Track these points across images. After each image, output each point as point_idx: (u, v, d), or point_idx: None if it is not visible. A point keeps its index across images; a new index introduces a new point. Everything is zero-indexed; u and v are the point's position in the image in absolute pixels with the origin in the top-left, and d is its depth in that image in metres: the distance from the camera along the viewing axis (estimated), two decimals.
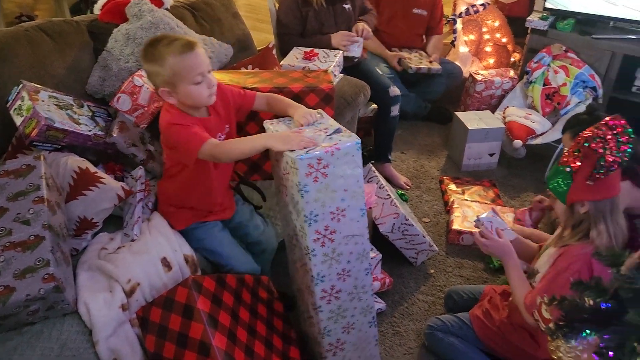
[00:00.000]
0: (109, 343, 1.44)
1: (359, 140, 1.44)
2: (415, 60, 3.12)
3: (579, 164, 1.49)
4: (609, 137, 1.46)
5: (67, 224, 1.57)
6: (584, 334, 0.98)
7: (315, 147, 1.41)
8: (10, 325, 1.34)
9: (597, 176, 1.45)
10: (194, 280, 1.50)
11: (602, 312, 0.91)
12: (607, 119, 1.49)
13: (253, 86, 1.85)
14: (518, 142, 2.83)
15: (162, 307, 1.49)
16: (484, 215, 1.76)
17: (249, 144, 1.50)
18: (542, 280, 1.58)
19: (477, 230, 1.77)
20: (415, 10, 3.19)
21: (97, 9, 2.14)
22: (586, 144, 1.47)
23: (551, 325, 1.00)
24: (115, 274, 1.51)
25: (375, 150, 2.85)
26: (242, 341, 1.52)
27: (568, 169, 1.52)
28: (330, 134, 1.48)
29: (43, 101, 1.66)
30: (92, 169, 1.64)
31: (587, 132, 1.49)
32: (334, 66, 2.31)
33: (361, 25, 2.65)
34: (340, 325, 1.63)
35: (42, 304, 1.32)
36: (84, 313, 1.43)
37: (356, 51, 2.58)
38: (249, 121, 1.89)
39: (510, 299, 1.76)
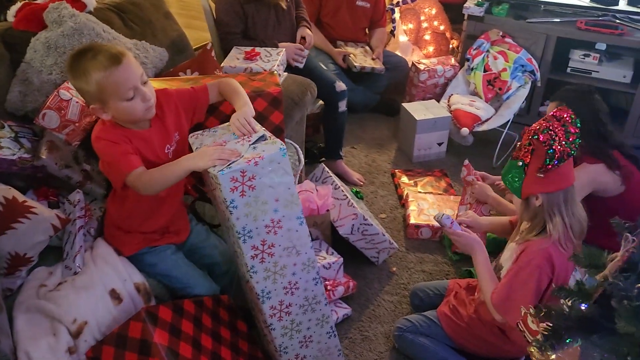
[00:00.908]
0: None
1: (284, 147, 1.37)
2: (360, 58, 3.07)
3: (530, 157, 1.48)
4: (557, 128, 1.46)
5: None
6: (568, 341, 0.94)
7: (238, 159, 1.32)
8: None
9: (548, 167, 1.45)
10: (147, 311, 1.38)
11: (587, 318, 0.88)
12: (554, 110, 1.49)
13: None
14: (465, 130, 2.84)
15: (114, 345, 1.36)
16: (440, 213, 1.73)
17: (171, 172, 1.39)
18: (505, 277, 1.57)
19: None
20: (359, 3, 3.14)
21: (10, 15, 1.92)
22: (535, 137, 1.46)
23: (539, 337, 0.96)
24: (58, 314, 1.36)
25: (326, 148, 2.78)
26: None
27: (520, 163, 1.51)
28: (253, 143, 1.40)
29: None
30: (20, 197, 1.46)
31: (535, 125, 1.49)
32: (278, 65, 2.20)
33: (306, 32, 2.59)
34: (297, 340, 1.56)
35: None
36: None
37: (302, 64, 2.52)
38: (209, 116, 1.74)
39: (477, 294, 1.74)
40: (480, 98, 3.03)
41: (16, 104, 1.75)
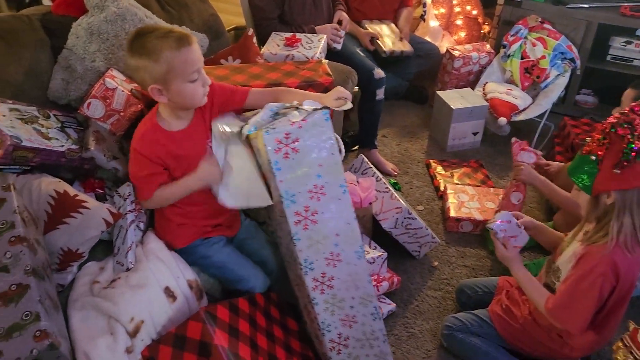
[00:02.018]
0: None
1: (327, 111, 1.36)
2: (388, 41, 2.98)
3: (603, 151, 1.41)
4: (636, 122, 1.39)
5: (49, 260, 1.35)
6: None
7: (276, 127, 1.33)
8: None
9: (625, 164, 1.38)
10: (206, 312, 1.34)
11: None
12: (634, 104, 1.42)
13: (243, 84, 1.66)
14: (503, 120, 2.76)
15: (172, 346, 1.32)
16: (497, 222, 1.68)
17: (181, 191, 1.49)
18: (565, 283, 1.51)
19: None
20: None
21: None
22: (612, 130, 1.39)
23: None
24: (115, 312, 1.32)
25: (360, 137, 2.71)
26: None
27: (593, 157, 1.44)
28: (300, 109, 1.40)
29: (4, 116, 1.41)
30: (72, 191, 1.42)
31: (612, 118, 1.42)
32: (320, 52, 2.13)
33: (343, 15, 2.53)
34: (339, 317, 1.50)
35: None
36: None
37: (340, 44, 2.44)
38: None
39: None
40: (517, 86, 2.95)
41: (59, 92, 1.69)
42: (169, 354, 1.31)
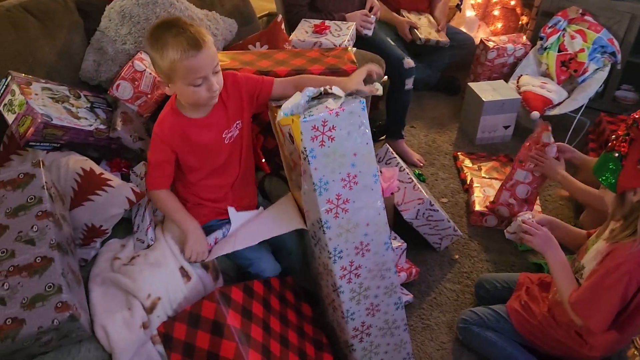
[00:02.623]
0: None
1: (364, 100, 1.36)
2: (424, 30, 2.93)
3: (627, 147, 1.37)
4: None
5: (73, 235, 1.41)
6: None
7: (313, 114, 1.31)
8: (20, 358, 1.19)
9: None
10: (221, 292, 1.37)
11: None
12: None
13: (267, 69, 1.67)
14: (536, 114, 2.69)
15: (186, 323, 1.36)
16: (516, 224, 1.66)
17: (173, 218, 1.53)
18: (589, 278, 1.48)
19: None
20: None
21: None
22: (635, 125, 1.35)
23: None
24: (133, 289, 1.36)
25: (388, 126, 2.69)
26: (276, 355, 1.40)
27: (617, 154, 1.40)
28: (336, 96, 1.38)
29: (36, 94, 1.46)
30: (97, 169, 1.47)
31: (636, 113, 1.37)
32: (348, 40, 2.12)
33: (374, 2, 2.52)
34: (364, 307, 1.51)
35: (56, 334, 1.17)
36: (102, 337, 1.29)
37: (370, 30, 2.41)
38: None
39: (551, 293, 1.66)
40: (552, 80, 2.86)
41: (90, 73, 1.74)
42: (184, 331, 1.36)
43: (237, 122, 1.53)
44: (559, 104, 2.78)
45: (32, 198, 1.27)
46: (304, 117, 1.29)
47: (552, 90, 2.78)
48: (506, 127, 2.83)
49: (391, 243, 1.50)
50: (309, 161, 1.31)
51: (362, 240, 1.44)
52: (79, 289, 1.31)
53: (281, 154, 1.62)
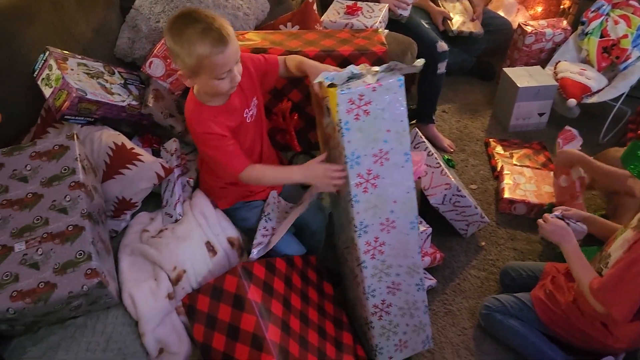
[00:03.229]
0: (156, 334, 1.37)
1: (402, 78, 1.34)
2: (459, 19, 2.87)
3: None
4: None
5: (104, 207, 1.46)
6: None
7: (351, 87, 1.32)
8: (51, 321, 1.26)
9: None
10: (243, 267, 1.40)
11: None
12: None
13: (297, 49, 1.67)
14: (572, 101, 2.61)
15: (209, 296, 1.40)
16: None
17: (281, 178, 1.53)
18: (615, 266, 1.45)
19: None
20: None
21: None
22: None
23: None
24: (160, 260, 1.41)
25: (418, 110, 2.66)
26: (295, 331, 1.42)
27: None
28: (375, 73, 1.38)
29: (72, 70, 1.51)
30: (129, 144, 1.51)
31: None
32: (380, 22, 2.10)
33: None
34: (385, 284, 1.52)
35: (85, 300, 1.22)
36: (129, 305, 1.34)
37: (406, 12, 2.37)
38: (293, 88, 1.73)
39: (577, 284, 1.63)
40: (592, 67, 2.77)
41: (125, 50, 1.78)
42: (207, 303, 1.39)
43: (254, 99, 1.54)
44: (597, 92, 2.68)
45: (65, 169, 1.32)
46: (342, 90, 1.30)
47: (591, 78, 2.69)
48: (541, 115, 2.76)
49: (418, 223, 1.50)
50: (342, 133, 1.33)
51: (389, 217, 1.44)
52: (109, 257, 1.36)
53: (318, 128, 1.65)
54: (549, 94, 2.68)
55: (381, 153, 1.37)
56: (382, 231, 1.45)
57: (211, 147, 1.43)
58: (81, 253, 1.21)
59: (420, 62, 1.41)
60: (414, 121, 2.69)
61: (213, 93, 1.42)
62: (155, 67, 1.69)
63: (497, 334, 1.74)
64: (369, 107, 1.32)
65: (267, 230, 1.57)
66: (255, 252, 1.51)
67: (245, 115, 1.51)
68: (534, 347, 1.64)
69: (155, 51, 1.69)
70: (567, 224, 1.61)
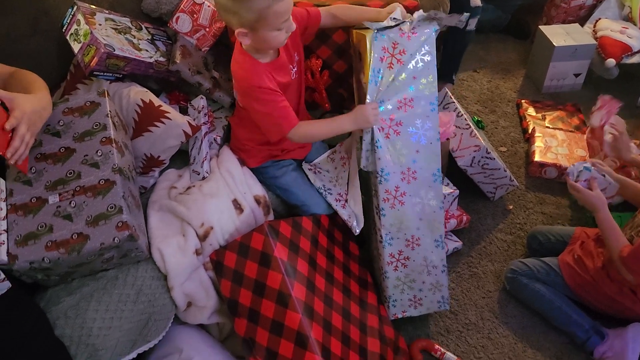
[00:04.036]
0: (184, 288, 1.40)
1: (437, 27, 1.40)
2: None
3: None
4: None
5: (134, 163, 1.47)
6: None
7: (385, 35, 1.36)
8: (84, 272, 1.29)
9: None
10: (270, 225, 1.41)
11: None
12: None
13: (325, 3, 1.62)
14: (611, 61, 2.51)
15: (236, 253, 1.42)
16: (574, 165, 1.60)
17: (330, 130, 1.49)
18: None
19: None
20: None
21: None
22: None
23: None
24: (188, 217, 1.43)
25: (440, 67, 2.57)
26: (320, 290, 1.44)
27: None
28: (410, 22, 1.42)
29: (100, 25, 1.50)
30: (156, 101, 1.51)
31: None
32: None
33: None
34: (404, 236, 1.52)
35: (117, 252, 1.25)
36: (158, 259, 1.37)
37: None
38: (321, 44, 1.70)
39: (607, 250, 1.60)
40: (635, 25, 2.64)
41: (152, 5, 1.76)
42: (234, 260, 1.42)
43: (296, 56, 1.52)
44: (639, 52, 2.57)
45: (97, 125, 1.33)
46: (375, 37, 1.33)
47: (633, 36, 2.57)
48: (577, 75, 2.66)
49: (441, 176, 1.50)
50: (375, 81, 1.37)
51: (410, 167, 1.46)
52: (139, 213, 1.38)
53: (354, 75, 1.65)
54: (587, 53, 2.57)
55: (405, 100, 1.41)
56: (403, 180, 1.46)
57: (263, 102, 1.40)
58: (112, 206, 1.23)
59: (464, 17, 1.42)
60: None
61: (268, 47, 1.40)
62: (182, 23, 1.67)
63: (522, 297, 1.73)
64: (402, 57, 1.36)
65: (339, 200, 1.59)
66: (355, 226, 1.55)
67: (291, 71, 1.50)
68: (559, 312, 1.63)
69: (182, 6, 1.67)
70: (602, 176, 1.57)
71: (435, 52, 1.39)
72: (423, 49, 1.39)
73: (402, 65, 1.37)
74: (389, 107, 1.40)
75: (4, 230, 1.20)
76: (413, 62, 1.38)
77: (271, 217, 1.58)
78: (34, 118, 1.20)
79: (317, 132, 1.49)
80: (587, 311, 1.64)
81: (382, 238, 1.51)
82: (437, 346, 1.63)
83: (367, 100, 1.41)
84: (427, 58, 1.40)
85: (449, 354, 1.61)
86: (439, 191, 1.50)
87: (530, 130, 2.39)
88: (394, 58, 1.33)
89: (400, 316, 1.62)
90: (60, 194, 1.25)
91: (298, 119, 1.44)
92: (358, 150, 1.53)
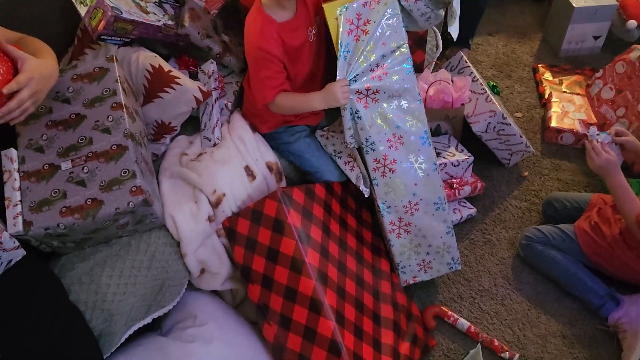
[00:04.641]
0: (197, 255, 1.40)
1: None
2: None
3: None
4: None
5: (145, 130, 1.46)
6: None
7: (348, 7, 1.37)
8: (99, 239, 1.29)
9: None
10: (283, 192, 1.40)
11: None
12: None
13: None
14: (633, 23, 2.43)
15: (249, 220, 1.41)
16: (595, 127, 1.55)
17: (302, 107, 1.50)
18: None
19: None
20: None
21: None
22: None
23: None
24: (200, 183, 1.42)
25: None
26: (334, 256, 1.43)
27: None
28: None
29: None
30: (166, 66, 1.48)
31: None
32: None
33: None
34: (401, 203, 1.50)
35: (131, 218, 1.25)
36: (170, 226, 1.36)
37: None
38: None
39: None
40: None
41: None
42: (247, 226, 1.41)
43: (317, 17, 1.48)
44: None
45: (107, 90, 1.31)
46: (340, 11, 1.33)
47: None
48: (596, 38, 2.58)
49: (429, 138, 1.48)
50: (344, 57, 1.38)
51: (395, 133, 1.45)
52: (152, 179, 1.37)
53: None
54: (608, 14, 2.49)
55: (378, 68, 1.40)
56: (390, 148, 1.46)
57: (259, 64, 1.42)
58: (125, 171, 1.22)
59: None
60: (447, 50, 2.55)
61: (285, 1, 1.39)
62: None
63: (537, 264, 1.72)
64: (367, 27, 1.36)
65: (348, 162, 1.58)
66: (364, 188, 1.53)
67: (308, 34, 1.47)
68: (575, 279, 1.62)
69: None
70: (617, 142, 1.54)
71: (400, 13, 1.40)
72: (386, 13, 1.38)
73: (368, 35, 1.35)
74: (363, 79, 1.39)
75: (19, 201, 1.20)
76: (379, 29, 1.37)
77: (283, 184, 1.57)
78: (39, 85, 1.16)
79: (290, 106, 1.49)
80: (602, 278, 1.63)
81: (379, 208, 1.51)
82: (450, 312, 1.63)
83: (338, 77, 1.39)
84: (392, 21, 1.39)
85: (462, 320, 1.61)
86: (429, 153, 1.48)
87: (546, 96, 2.33)
88: (359, 30, 1.33)
89: (411, 282, 1.62)
90: (72, 160, 1.24)
91: (278, 92, 1.45)
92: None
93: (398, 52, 1.40)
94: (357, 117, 1.42)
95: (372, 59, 1.39)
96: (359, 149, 1.53)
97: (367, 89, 1.40)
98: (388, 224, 1.52)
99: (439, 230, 1.55)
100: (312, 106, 1.47)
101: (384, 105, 1.43)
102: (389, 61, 1.40)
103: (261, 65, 1.42)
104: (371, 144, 1.44)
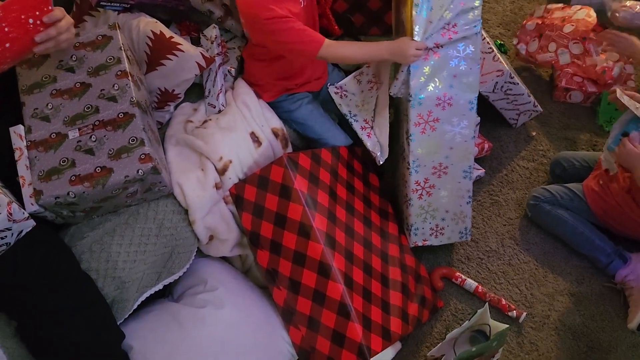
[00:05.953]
0: (205, 222, 1.41)
1: None
2: None
3: None
4: None
5: (150, 98, 1.45)
6: None
7: None
8: (109, 208, 1.30)
9: None
10: (289, 158, 1.39)
11: None
12: None
13: None
14: None
15: (256, 186, 1.41)
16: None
17: (367, 54, 1.43)
18: None
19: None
20: None
21: None
22: None
23: None
24: (206, 151, 1.41)
25: None
26: (341, 220, 1.44)
27: None
28: None
29: None
30: (167, 33, 1.46)
31: None
32: None
33: None
34: (431, 163, 1.50)
35: (141, 186, 1.25)
36: (178, 194, 1.37)
37: None
38: (373, 26, 1.73)
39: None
40: None
41: None
42: (254, 193, 1.42)
43: None
44: None
45: (111, 58, 1.30)
46: None
47: None
48: None
49: (476, 104, 1.45)
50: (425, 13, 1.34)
51: (447, 92, 1.41)
52: (159, 147, 1.38)
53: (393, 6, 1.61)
54: None
55: (449, 27, 1.37)
56: (437, 106, 1.42)
57: (281, 32, 1.33)
58: (134, 139, 1.22)
59: None
60: None
61: None
62: None
63: (545, 224, 1.72)
64: None
65: (365, 128, 1.55)
66: (380, 156, 1.51)
67: (299, 1, 1.43)
68: (582, 237, 1.62)
69: None
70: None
71: None
72: None
73: None
74: (434, 35, 1.36)
75: (29, 184, 1.20)
76: None
77: (289, 150, 1.56)
78: (70, 24, 1.18)
79: (351, 54, 1.41)
80: (610, 236, 1.63)
81: (409, 165, 1.48)
82: (457, 273, 1.65)
83: (415, 34, 1.34)
84: None
85: (469, 281, 1.63)
86: (472, 120, 1.46)
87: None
88: None
89: (420, 244, 1.63)
90: (79, 129, 1.24)
91: (322, 39, 1.36)
92: (391, 79, 1.48)
93: (471, 14, 1.37)
94: (413, 67, 1.39)
95: (448, 17, 1.35)
96: (396, 104, 1.51)
97: (435, 45, 1.38)
98: (414, 183, 1.51)
99: (460, 198, 1.55)
100: (380, 55, 1.41)
101: (444, 61, 1.40)
102: (461, 21, 1.37)
103: (283, 31, 1.33)
104: (419, 97, 1.41)
